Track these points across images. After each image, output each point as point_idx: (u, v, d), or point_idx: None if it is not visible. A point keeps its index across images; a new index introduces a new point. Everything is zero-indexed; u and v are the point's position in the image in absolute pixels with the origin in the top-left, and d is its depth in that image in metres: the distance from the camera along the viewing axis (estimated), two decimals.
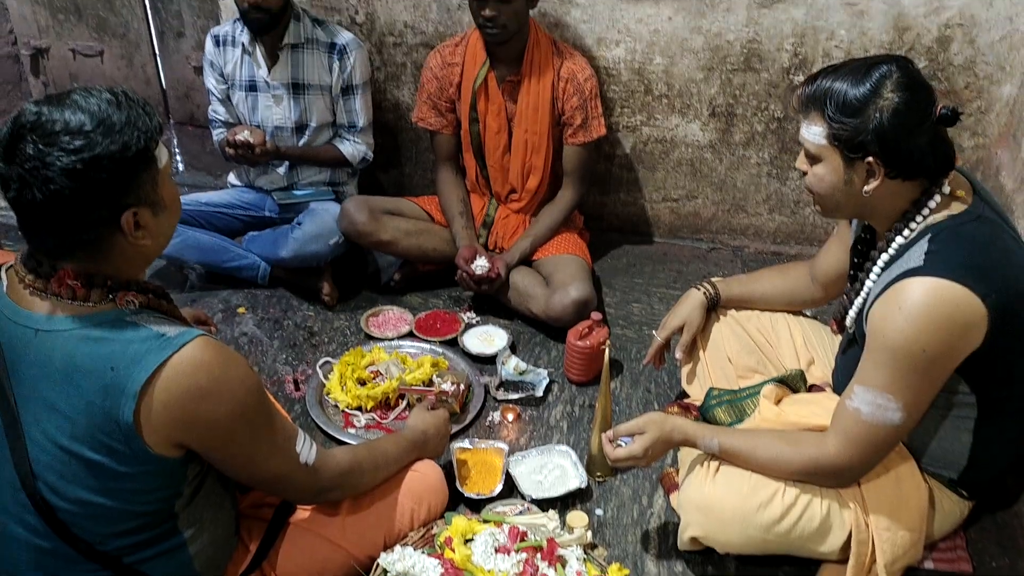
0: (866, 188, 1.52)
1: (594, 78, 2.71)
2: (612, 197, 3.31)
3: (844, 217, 1.81)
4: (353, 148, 2.90)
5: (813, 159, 1.57)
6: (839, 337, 1.88)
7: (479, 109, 2.73)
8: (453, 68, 2.75)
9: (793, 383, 1.86)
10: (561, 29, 2.98)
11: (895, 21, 2.72)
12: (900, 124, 1.44)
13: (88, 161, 1.16)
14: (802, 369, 1.95)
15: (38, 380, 1.25)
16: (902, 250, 1.54)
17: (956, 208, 1.53)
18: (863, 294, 1.63)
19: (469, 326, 2.71)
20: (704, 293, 2.10)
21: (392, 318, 2.75)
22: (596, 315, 2.45)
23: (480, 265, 2.63)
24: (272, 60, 2.76)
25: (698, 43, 2.91)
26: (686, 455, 1.88)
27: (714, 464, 1.68)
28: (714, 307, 2.12)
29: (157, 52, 3.81)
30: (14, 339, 1.26)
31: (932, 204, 1.52)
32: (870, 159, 1.48)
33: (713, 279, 2.15)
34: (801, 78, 2.88)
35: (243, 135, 2.70)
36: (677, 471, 2.03)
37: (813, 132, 1.53)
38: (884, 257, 1.58)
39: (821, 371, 1.99)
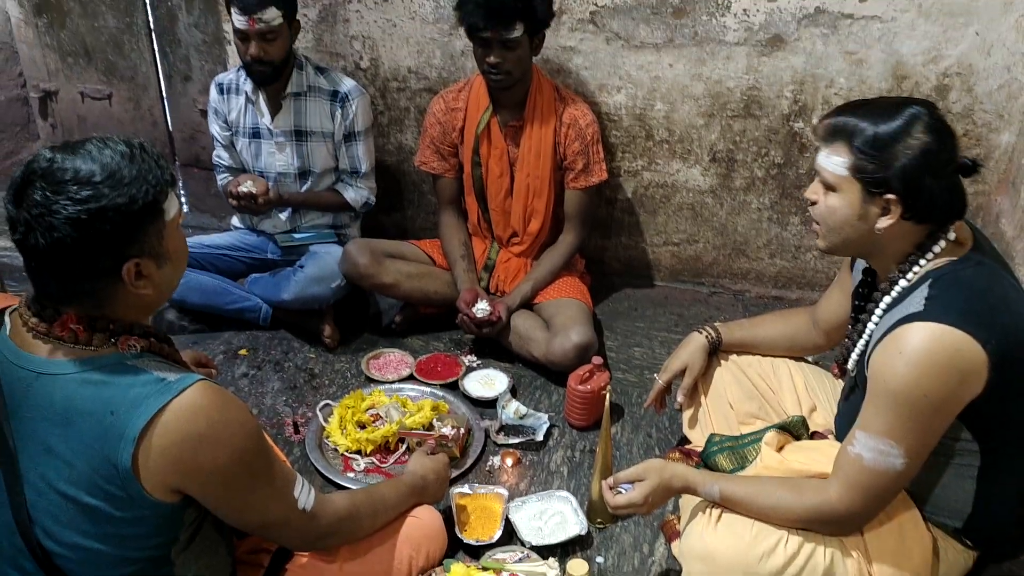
0: (879, 226, 1.50)
1: (595, 123, 2.74)
2: (613, 241, 3.32)
3: (846, 254, 1.78)
4: (356, 193, 2.92)
5: (829, 188, 1.55)
6: (841, 383, 1.88)
7: (482, 153, 2.76)
8: (456, 113, 2.78)
9: (795, 430, 1.85)
10: (563, 75, 3.02)
11: (894, 69, 2.76)
12: (926, 166, 1.44)
13: (93, 212, 1.17)
14: (804, 416, 1.93)
15: (37, 423, 1.24)
16: (903, 295, 1.54)
17: (957, 254, 1.53)
18: (865, 337, 1.63)
19: (470, 369, 2.71)
20: (706, 337, 2.10)
21: (393, 361, 2.75)
22: (597, 359, 2.44)
23: (481, 308, 2.63)
24: (275, 108, 2.80)
25: (699, 90, 2.95)
26: (687, 502, 1.86)
27: (716, 512, 1.67)
28: (716, 351, 2.12)
29: (164, 95, 3.85)
30: (15, 382, 1.26)
31: (937, 249, 1.52)
32: (890, 196, 1.47)
33: (715, 323, 2.15)
34: (801, 125, 2.91)
35: (246, 186, 2.72)
36: (679, 518, 2.01)
37: (835, 161, 1.51)
38: (887, 300, 1.57)
39: (823, 418, 1.98)
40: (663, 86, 2.97)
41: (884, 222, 1.50)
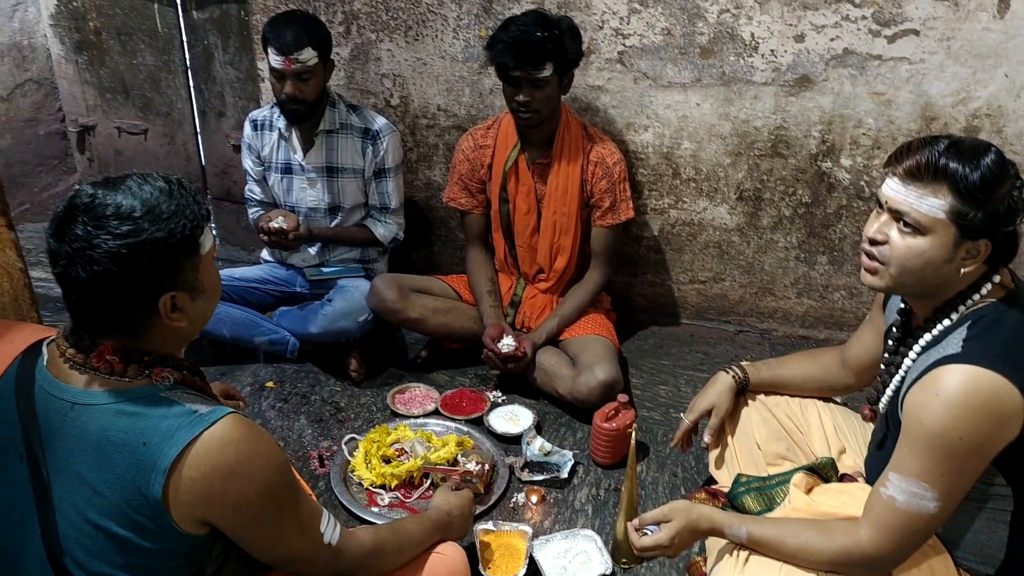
0: (965, 270, 1.46)
1: (623, 162, 2.76)
2: (639, 278, 3.33)
3: (907, 293, 1.65)
4: (385, 229, 2.95)
5: (916, 230, 1.46)
6: (871, 425, 1.85)
7: (509, 190, 2.78)
8: (484, 150, 2.81)
9: (824, 472, 1.83)
10: (591, 114, 3.04)
11: (923, 110, 2.76)
12: (1021, 209, 1.43)
13: (133, 246, 1.20)
14: (832, 458, 1.91)
15: (71, 453, 1.26)
16: (942, 335, 1.52)
17: (997, 295, 1.51)
18: (898, 377, 1.60)
19: (495, 405, 2.71)
20: (733, 376, 2.09)
21: (418, 395, 2.75)
22: (623, 397, 2.43)
23: (507, 344, 2.64)
24: (307, 145, 2.85)
25: (726, 129, 2.96)
26: (714, 543, 1.83)
27: (743, 553, 1.64)
28: (743, 391, 2.10)
29: (198, 130, 3.93)
30: (50, 412, 1.28)
31: (984, 291, 1.50)
32: (985, 242, 1.44)
33: (742, 362, 2.14)
34: (829, 164, 2.91)
35: (277, 222, 2.76)
36: (705, 560, 1.99)
37: (931, 204, 1.43)
38: (927, 337, 1.55)
39: (853, 460, 1.95)
40: (690, 125, 2.99)
41: (970, 265, 1.46)
